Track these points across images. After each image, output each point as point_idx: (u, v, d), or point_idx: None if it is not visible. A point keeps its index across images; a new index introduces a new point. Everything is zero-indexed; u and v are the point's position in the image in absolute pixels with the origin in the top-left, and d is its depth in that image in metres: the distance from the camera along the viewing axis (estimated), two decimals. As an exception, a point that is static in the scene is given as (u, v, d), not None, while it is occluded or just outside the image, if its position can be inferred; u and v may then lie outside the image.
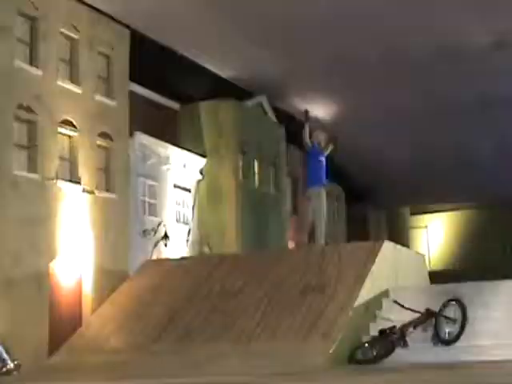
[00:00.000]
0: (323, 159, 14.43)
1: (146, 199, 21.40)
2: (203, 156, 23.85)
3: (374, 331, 11.17)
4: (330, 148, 14.60)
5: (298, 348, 10.61)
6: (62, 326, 16.12)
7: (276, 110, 27.04)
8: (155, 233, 21.02)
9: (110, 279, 17.04)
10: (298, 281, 12.29)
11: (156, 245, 20.79)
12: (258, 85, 25.31)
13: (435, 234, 39.29)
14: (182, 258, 16.90)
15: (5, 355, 12.54)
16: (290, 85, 25.95)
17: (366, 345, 10.85)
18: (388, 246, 13.05)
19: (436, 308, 11.06)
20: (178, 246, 21.88)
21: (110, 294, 14.28)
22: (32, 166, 16.77)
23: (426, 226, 39.46)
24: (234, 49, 22.94)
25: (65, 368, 11.56)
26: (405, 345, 10.84)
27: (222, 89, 24.55)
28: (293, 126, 26.71)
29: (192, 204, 23.42)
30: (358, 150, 30.47)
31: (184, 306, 12.52)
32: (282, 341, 10.90)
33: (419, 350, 10.80)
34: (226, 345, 11.12)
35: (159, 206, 21.77)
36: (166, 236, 21.08)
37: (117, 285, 14.66)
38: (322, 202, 14.18)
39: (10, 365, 12.45)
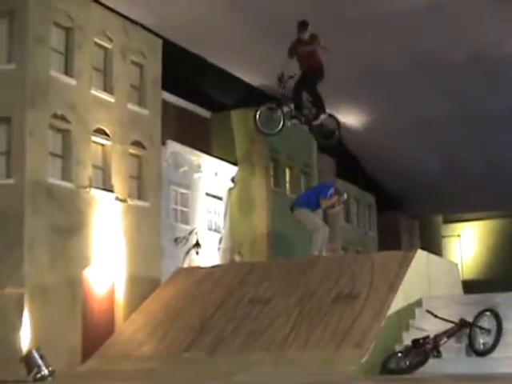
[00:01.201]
0: (328, 193, 14.20)
1: (178, 207, 21.52)
2: (235, 164, 23.92)
3: (407, 341, 11.08)
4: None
5: (330, 357, 10.56)
6: (95, 333, 16.25)
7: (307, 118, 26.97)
8: (187, 241, 21.12)
9: (142, 286, 17.15)
10: (330, 289, 12.24)
11: (188, 253, 20.89)
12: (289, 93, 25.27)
13: (468, 242, 38.87)
14: (214, 266, 16.94)
15: (39, 361, 12.68)
16: (320, 93, 25.92)
17: (399, 354, 10.77)
18: (421, 255, 12.94)
19: (469, 318, 10.93)
20: (209, 254, 21.95)
21: (142, 301, 14.37)
22: (66, 174, 16.96)
23: (459, 235, 39.06)
24: (264, 57, 22.97)
25: (98, 375, 11.65)
26: (438, 355, 10.72)
27: (253, 97, 24.62)
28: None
29: (223, 212, 23.49)
30: (390, 158, 30.33)
31: (215, 313, 12.55)
32: (314, 349, 10.86)
33: (453, 360, 10.68)
34: (257, 353, 11.11)
35: (191, 214, 21.87)
36: (197, 244, 21.17)
37: (149, 292, 14.75)
38: (309, 219, 14.12)
39: (45, 371, 12.58)
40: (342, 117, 27.80)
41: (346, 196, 14.80)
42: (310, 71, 12.51)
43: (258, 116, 12.55)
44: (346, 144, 29.34)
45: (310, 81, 12.58)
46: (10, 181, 16.01)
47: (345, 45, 22.01)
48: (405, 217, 35.64)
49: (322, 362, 10.49)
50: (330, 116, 12.97)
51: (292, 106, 12.62)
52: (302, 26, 12.51)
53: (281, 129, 12.68)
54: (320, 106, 12.68)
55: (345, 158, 29.61)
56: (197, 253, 21.11)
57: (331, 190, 14.16)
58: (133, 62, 19.41)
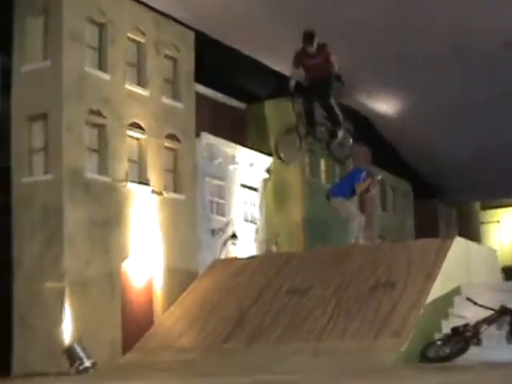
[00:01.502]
0: (361, 177, 14.03)
1: (214, 199, 21.61)
2: (269, 155, 23.90)
3: (446, 329, 10.99)
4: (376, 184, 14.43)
5: (369, 346, 10.53)
6: (135, 325, 16.44)
7: (341, 107, 26.81)
8: (223, 232, 21.20)
9: (180, 278, 17.29)
10: (367, 278, 12.19)
11: (224, 244, 20.98)
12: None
13: (508, 228, 38.31)
14: (250, 257, 16.98)
15: (81, 354, 12.89)
16: (354, 81, 25.73)
17: (439, 342, 10.68)
18: (459, 243, 12.82)
19: (509, 305, 10.80)
20: (245, 245, 22.01)
21: (180, 293, 14.48)
22: (103, 168, 17.15)
23: (499, 221, 38.52)
24: (297, 48, 22.89)
25: (139, 366, 11.78)
26: (478, 342, 10.62)
27: (287, 87, 24.52)
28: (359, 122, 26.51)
29: (259, 203, 23.51)
30: (426, 145, 30.02)
31: (253, 305, 12.59)
32: (352, 339, 10.84)
33: (493, 348, 10.57)
34: (295, 344, 11.13)
35: (227, 205, 21.94)
36: (234, 235, 21.25)
37: (187, 284, 14.86)
38: (345, 208, 14.02)
39: (87, 363, 12.79)
40: (376, 104, 27.74)
41: (379, 177, 14.69)
42: (316, 84, 11.71)
43: (277, 146, 12.02)
44: (381, 132, 29.11)
45: (319, 94, 11.77)
46: (49, 176, 16.26)
47: (379, 34, 21.83)
48: (442, 204, 35.27)
49: (360, 351, 10.46)
50: (347, 124, 12.27)
51: (305, 122, 11.78)
52: (309, 38, 11.51)
53: (298, 151, 12.03)
54: (336, 122, 11.88)
55: (380, 145, 29.39)
56: (233, 244, 21.19)
57: (364, 174, 14.11)
58: (166, 56, 19.50)
